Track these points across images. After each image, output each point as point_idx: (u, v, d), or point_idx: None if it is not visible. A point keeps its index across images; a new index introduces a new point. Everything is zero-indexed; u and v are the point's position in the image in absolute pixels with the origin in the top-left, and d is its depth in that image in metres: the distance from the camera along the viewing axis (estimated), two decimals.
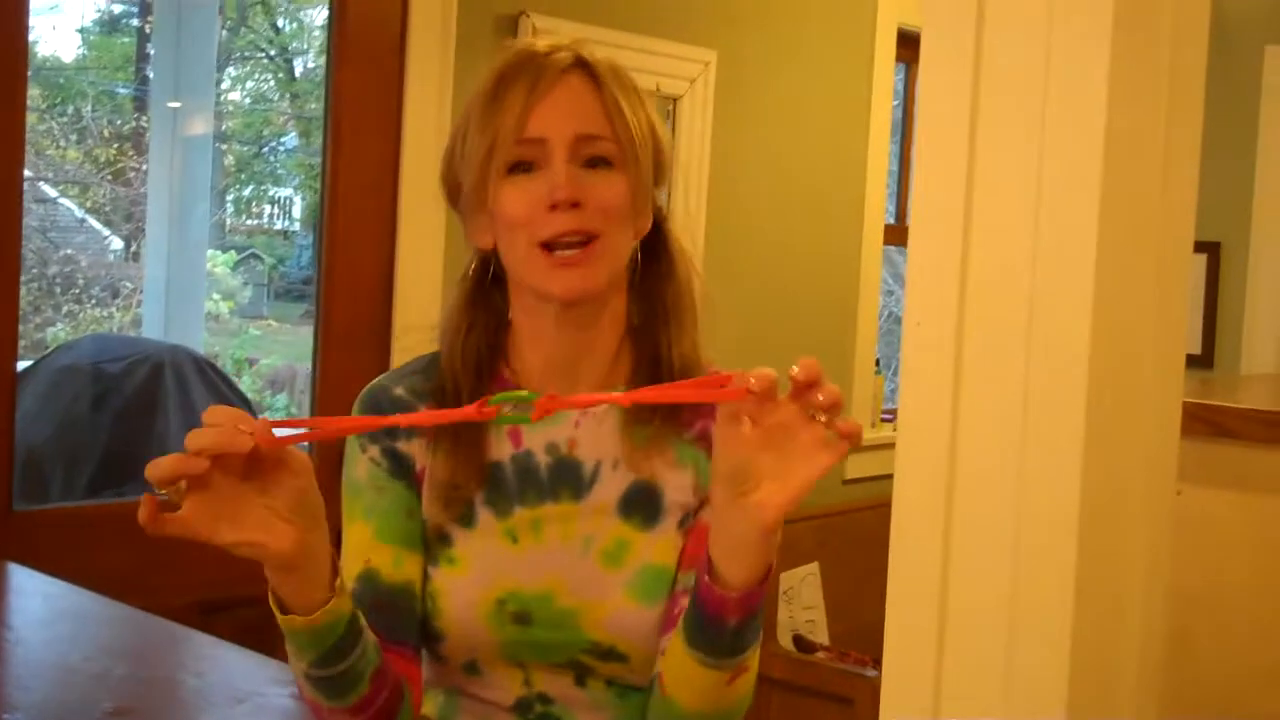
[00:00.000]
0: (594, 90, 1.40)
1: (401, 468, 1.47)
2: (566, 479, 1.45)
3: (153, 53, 4.49)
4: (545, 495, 1.45)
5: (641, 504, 1.44)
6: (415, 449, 1.47)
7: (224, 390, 3.63)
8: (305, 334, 5.41)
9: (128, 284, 4.57)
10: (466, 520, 1.45)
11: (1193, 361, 4.55)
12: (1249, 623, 2.06)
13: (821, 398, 1.13)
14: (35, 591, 1.90)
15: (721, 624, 1.27)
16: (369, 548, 1.44)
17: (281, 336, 5.39)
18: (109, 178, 4.39)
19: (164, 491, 1.09)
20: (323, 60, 5.33)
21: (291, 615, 1.23)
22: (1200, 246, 4.77)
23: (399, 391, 1.49)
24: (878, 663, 3.47)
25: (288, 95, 5.77)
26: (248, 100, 5.67)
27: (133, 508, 3.01)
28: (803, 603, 3.76)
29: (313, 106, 5.62)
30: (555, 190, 1.36)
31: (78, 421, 3.36)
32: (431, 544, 1.46)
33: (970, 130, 0.94)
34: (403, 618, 1.43)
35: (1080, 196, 0.91)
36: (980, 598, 0.95)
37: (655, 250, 1.51)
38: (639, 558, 1.42)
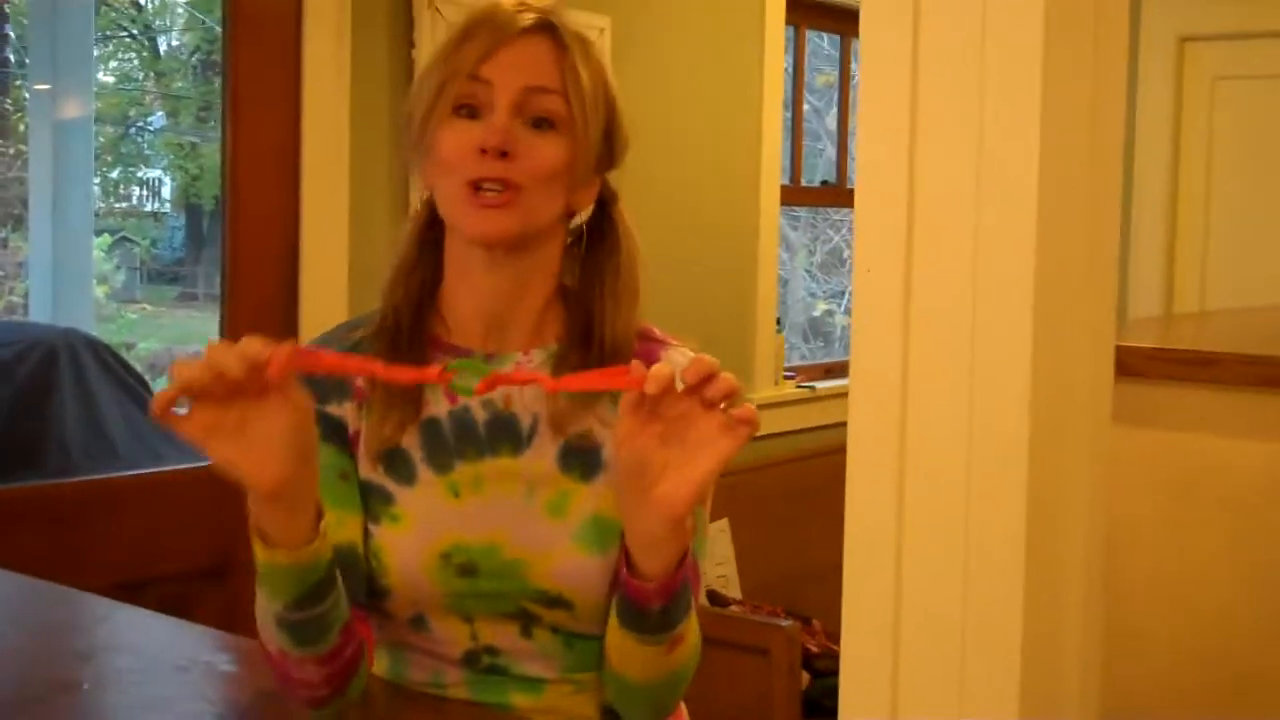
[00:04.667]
0: (555, 51, 1.43)
1: (332, 431, 1.48)
2: (504, 434, 1.47)
3: (14, 34, 4.40)
4: (484, 450, 1.47)
5: (579, 457, 1.47)
6: (347, 412, 1.49)
7: (121, 372, 3.58)
8: (181, 316, 5.35)
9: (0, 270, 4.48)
10: (407, 478, 1.47)
11: None
12: (1148, 550, 2.14)
13: (715, 389, 1.18)
14: None
15: (647, 609, 1.34)
16: None
17: (157, 320, 5.31)
18: None
19: (181, 401, 1.15)
20: (188, 38, 5.26)
21: (275, 549, 1.25)
22: None
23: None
24: (791, 613, 3.54)
25: (153, 74, 5.67)
26: (112, 80, 5.57)
27: (37, 491, 2.97)
28: (715, 558, 3.81)
29: (179, 85, 5.52)
30: (488, 136, 1.39)
31: None
32: (373, 503, 1.48)
33: (912, 89, 0.98)
34: (348, 578, 1.44)
35: (1019, 149, 0.95)
36: (935, 534, 0.99)
37: (601, 230, 1.55)
38: (583, 509, 1.45)
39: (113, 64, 5.59)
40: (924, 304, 0.99)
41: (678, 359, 1.49)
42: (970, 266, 0.96)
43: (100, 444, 3.39)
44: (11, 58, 4.46)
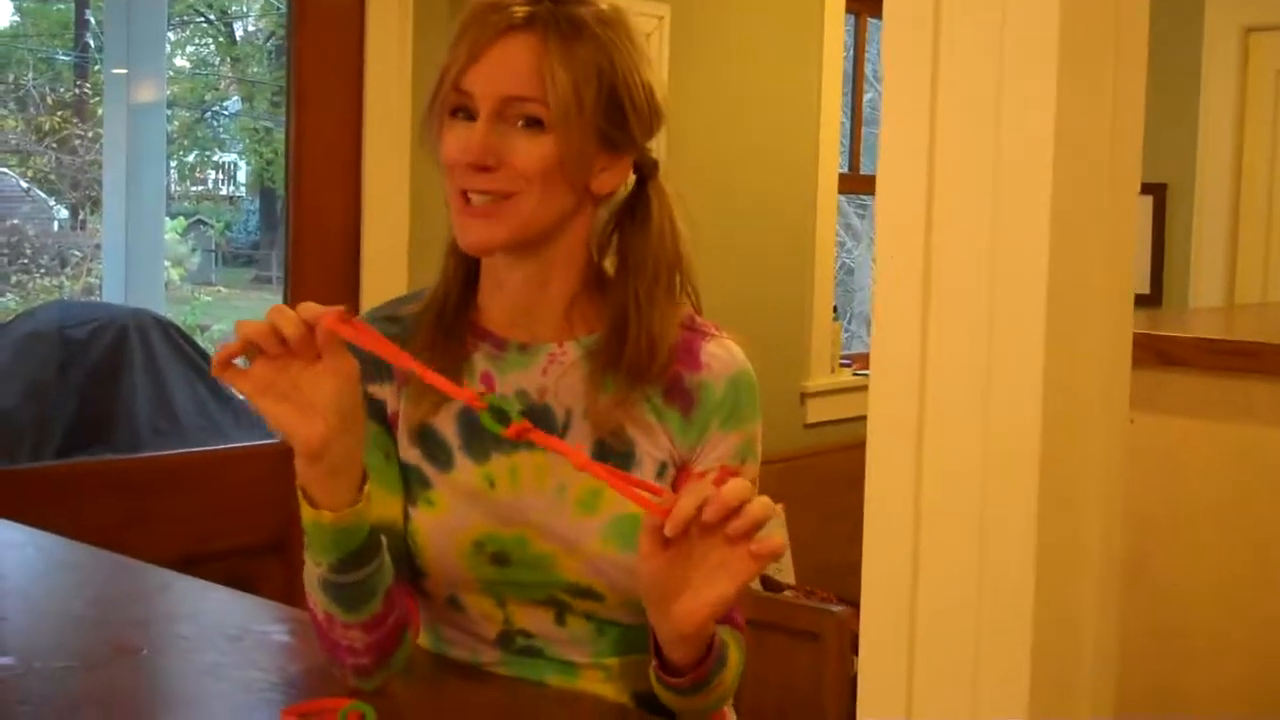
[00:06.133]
0: (535, 50, 1.40)
1: (374, 411, 1.51)
2: (539, 426, 1.44)
3: (95, 20, 4.48)
4: (520, 443, 1.45)
5: (612, 456, 1.47)
6: (386, 393, 1.52)
7: (189, 352, 3.67)
8: (255, 299, 5.42)
9: (76, 252, 4.56)
10: (444, 464, 1.50)
11: (1142, 301, 4.66)
12: (1200, 543, 2.14)
13: (738, 526, 1.23)
14: (27, 543, 1.94)
15: (680, 688, 1.42)
16: None
17: (232, 302, 5.39)
18: (53, 146, 4.38)
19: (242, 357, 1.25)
20: (264, 23, 5.32)
21: (320, 510, 1.30)
22: (1147, 188, 4.89)
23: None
24: (843, 600, 3.56)
25: (229, 59, 5.74)
26: (188, 65, 5.65)
27: (107, 465, 3.03)
28: None
29: (254, 70, 5.59)
30: (467, 150, 1.40)
31: (45, 387, 3.39)
32: (411, 486, 1.50)
33: (932, 77, 1.00)
34: (391, 555, 1.49)
35: (1035, 142, 0.96)
36: (951, 521, 1.01)
37: (634, 208, 1.53)
38: (613, 507, 1.45)
39: (190, 49, 5.68)
40: (942, 292, 1.01)
41: (703, 489, 1.28)
42: (988, 253, 0.98)
43: (168, 421, 3.48)
44: (92, 43, 4.55)
